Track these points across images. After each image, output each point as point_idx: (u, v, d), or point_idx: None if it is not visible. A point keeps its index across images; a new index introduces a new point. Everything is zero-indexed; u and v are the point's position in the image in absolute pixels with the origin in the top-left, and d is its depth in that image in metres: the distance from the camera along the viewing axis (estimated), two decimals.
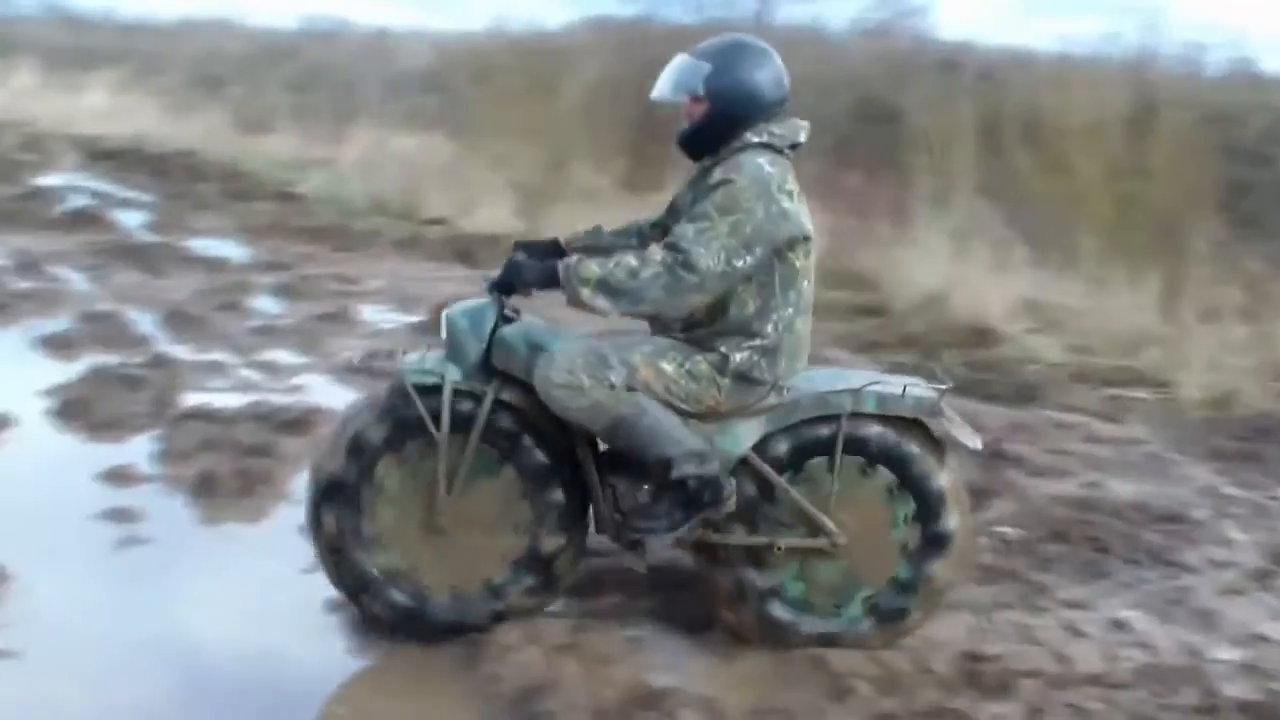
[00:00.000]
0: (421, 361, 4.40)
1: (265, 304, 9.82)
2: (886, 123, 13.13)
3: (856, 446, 4.36)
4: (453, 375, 4.30)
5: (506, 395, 4.32)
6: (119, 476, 5.91)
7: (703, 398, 4.23)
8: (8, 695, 4.02)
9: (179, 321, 8.87)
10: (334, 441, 4.41)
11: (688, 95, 4.26)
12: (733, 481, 4.30)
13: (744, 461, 4.35)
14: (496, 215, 13.60)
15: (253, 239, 12.56)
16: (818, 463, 4.38)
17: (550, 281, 4.18)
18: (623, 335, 4.35)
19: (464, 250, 12.34)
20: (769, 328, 4.24)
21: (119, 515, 5.42)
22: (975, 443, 4.45)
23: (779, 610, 4.48)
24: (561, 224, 12.60)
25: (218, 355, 8.11)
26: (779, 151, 4.26)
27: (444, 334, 4.36)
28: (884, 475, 4.40)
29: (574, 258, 4.18)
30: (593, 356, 4.12)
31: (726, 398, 4.26)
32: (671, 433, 4.16)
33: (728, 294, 4.18)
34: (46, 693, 4.05)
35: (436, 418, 4.26)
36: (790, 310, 4.26)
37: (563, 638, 4.38)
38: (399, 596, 4.43)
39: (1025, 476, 6.53)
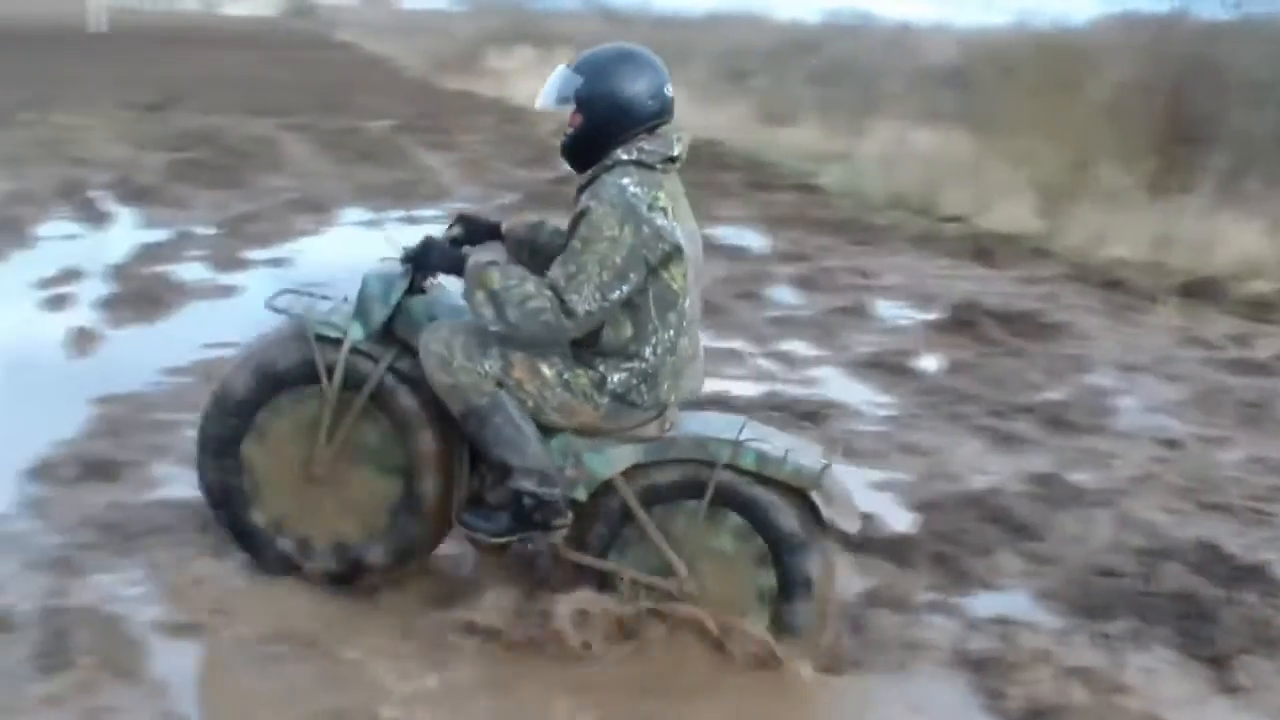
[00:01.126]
0: (330, 314, 4.39)
1: (783, 294, 9.96)
2: None
3: (730, 500, 4.13)
4: (355, 334, 4.27)
5: (404, 365, 4.26)
6: None
7: (576, 411, 4.10)
8: None
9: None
10: (239, 366, 4.44)
11: (567, 106, 4.09)
12: (569, 514, 4.15)
13: (612, 485, 4.17)
14: (1015, 214, 13.30)
15: (772, 229, 12.77)
16: (689, 505, 4.15)
17: (455, 270, 4.12)
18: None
19: (982, 249, 12.12)
20: (647, 350, 4.06)
21: None
22: (853, 526, 4.12)
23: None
24: (1083, 225, 12.23)
25: (736, 343, 8.28)
26: (650, 168, 4.05)
27: (356, 293, 4.31)
28: (755, 540, 4.15)
29: (484, 259, 4.08)
30: (474, 339, 4.09)
31: (604, 418, 4.11)
32: (520, 443, 4.06)
33: (602, 325, 4.05)
34: None
35: (330, 370, 4.26)
36: (670, 333, 4.07)
37: (1074, 660, 4.23)
38: (283, 545, 4.45)
39: None
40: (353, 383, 4.29)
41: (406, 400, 4.29)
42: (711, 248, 11.36)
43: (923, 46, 23.04)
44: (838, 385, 7.51)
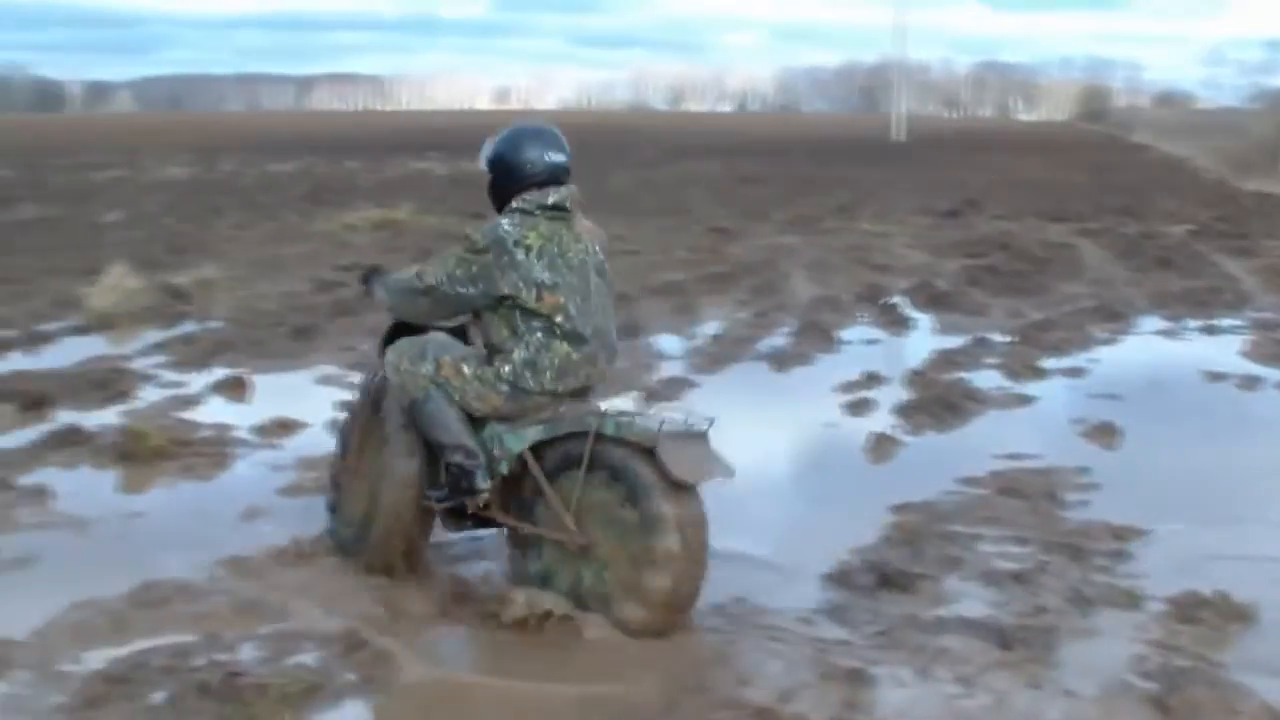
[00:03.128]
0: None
1: None
2: None
3: (603, 463, 5.00)
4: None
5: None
6: None
7: (488, 398, 5.25)
8: None
9: None
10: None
11: (483, 170, 5.43)
12: (488, 480, 5.24)
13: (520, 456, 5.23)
14: None
15: None
16: (577, 471, 5.05)
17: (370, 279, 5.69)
18: (457, 346, 5.48)
19: None
20: (521, 347, 5.19)
21: None
22: (683, 477, 4.85)
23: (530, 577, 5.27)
24: None
25: None
26: (529, 213, 5.23)
27: None
28: (620, 488, 4.97)
29: (387, 271, 5.73)
30: (417, 349, 5.37)
31: (505, 402, 5.24)
32: (448, 424, 5.24)
33: (486, 323, 5.33)
34: None
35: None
36: (539, 335, 5.18)
37: None
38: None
39: None
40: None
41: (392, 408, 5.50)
42: None
43: None
44: None
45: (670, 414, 5.10)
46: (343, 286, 13.08)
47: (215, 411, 8.27)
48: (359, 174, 32.80)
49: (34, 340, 10.89)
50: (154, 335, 11.08)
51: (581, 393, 5.32)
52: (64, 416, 8.11)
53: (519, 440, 5.24)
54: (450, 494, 5.27)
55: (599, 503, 5.05)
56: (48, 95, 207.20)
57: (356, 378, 9.16)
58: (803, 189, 27.13)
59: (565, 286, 5.18)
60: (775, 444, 7.60)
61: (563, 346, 5.18)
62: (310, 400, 8.65)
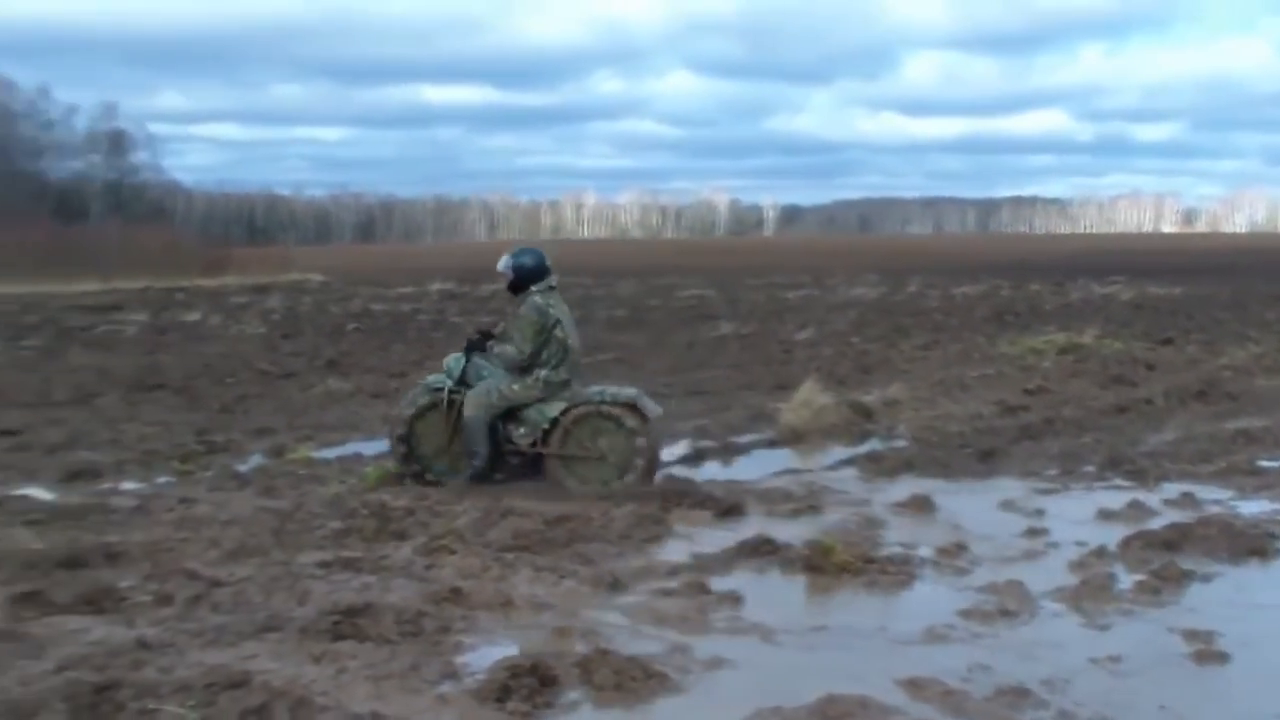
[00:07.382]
0: (436, 380, 9.96)
1: None
2: None
3: (603, 414, 9.48)
4: (445, 383, 9.81)
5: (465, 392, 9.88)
6: None
7: (530, 394, 9.50)
8: None
9: None
10: (405, 406, 10.10)
11: (502, 270, 9.78)
12: (483, 466, 9.60)
13: (555, 419, 9.53)
14: None
15: None
16: (592, 421, 9.52)
17: (480, 349, 9.83)
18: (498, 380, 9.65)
19: None
20: (549, 362, 9.49)
21: None
22: (649, 413, 9.45)
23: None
24: None
25: None
26: (546, 292, 9.59)
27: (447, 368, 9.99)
28: (613, 426, 9.47)
29: (493, 343, 9.80)
30: (483, 392, 9.52)
31: (539, 393, 9.50)
32: (474, 437, 9.48)
33: (536, 356, 9.52)
34: None
35: (442, 402, 9.87)
36: (558, 353, 9.48)
37: None
38: (438, 470, 9.84)
39: None
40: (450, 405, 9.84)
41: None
42: None
43: None
44: None
45: (611, 387, 9.73)
46: (1027, 411, 12.73)
47: (899, 529, 8.16)
48: (1042, 297, 32.24)
49: (730, 451, 11.39)
50: (841, 452, 11.30)
51: (572, 380, 9.58)
52: (755, 526, 8.28)
53: (553, 410, 9.46)
54: (472, 471, 9.57)
55: (603, 433, 9.40)
56: (745, 219, 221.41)
57: (1039, 503, 8.81)
58: None
59: (566, 326, 9.52)
60: None
61: (566, 356, 9.50)
62: (992, 523, 8.40)
